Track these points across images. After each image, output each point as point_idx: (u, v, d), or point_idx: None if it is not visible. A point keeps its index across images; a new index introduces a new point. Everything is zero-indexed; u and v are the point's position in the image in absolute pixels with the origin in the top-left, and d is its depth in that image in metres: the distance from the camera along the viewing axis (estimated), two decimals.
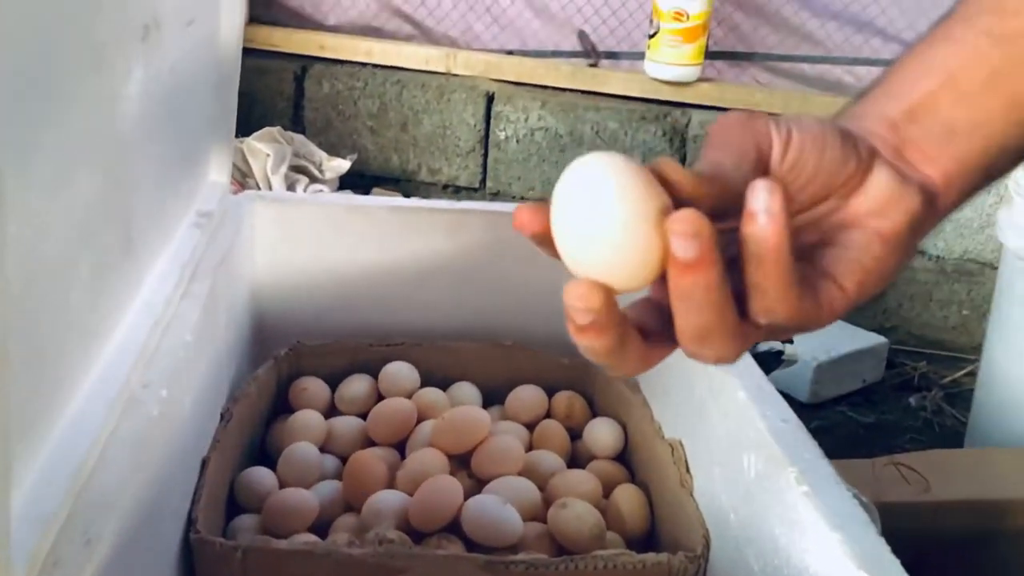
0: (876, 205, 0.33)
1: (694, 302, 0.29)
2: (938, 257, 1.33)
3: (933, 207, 0.34)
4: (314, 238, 0.81)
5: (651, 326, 0.33)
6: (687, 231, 0.28)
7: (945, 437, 1.11)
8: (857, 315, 1.22)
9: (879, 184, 0.33)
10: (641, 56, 1.38)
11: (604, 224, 0.29)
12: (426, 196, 1.46)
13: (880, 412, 1.15)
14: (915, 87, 0.35)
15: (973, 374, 1.22)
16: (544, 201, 0.31)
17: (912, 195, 0.33)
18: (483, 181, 1.44)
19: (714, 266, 0.29)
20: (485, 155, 1.43)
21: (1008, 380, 0.97)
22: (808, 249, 0.34)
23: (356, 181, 1.42)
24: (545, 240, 0.31)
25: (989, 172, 0.36)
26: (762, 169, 0.32)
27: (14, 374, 0.33)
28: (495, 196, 1.44)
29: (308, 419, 0.74)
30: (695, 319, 0.30)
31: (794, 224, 0.30)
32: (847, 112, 0.36)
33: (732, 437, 0.56)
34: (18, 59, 0.32)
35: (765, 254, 0.30)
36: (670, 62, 1.33)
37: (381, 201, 0.84)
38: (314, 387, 0.78)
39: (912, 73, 0.36)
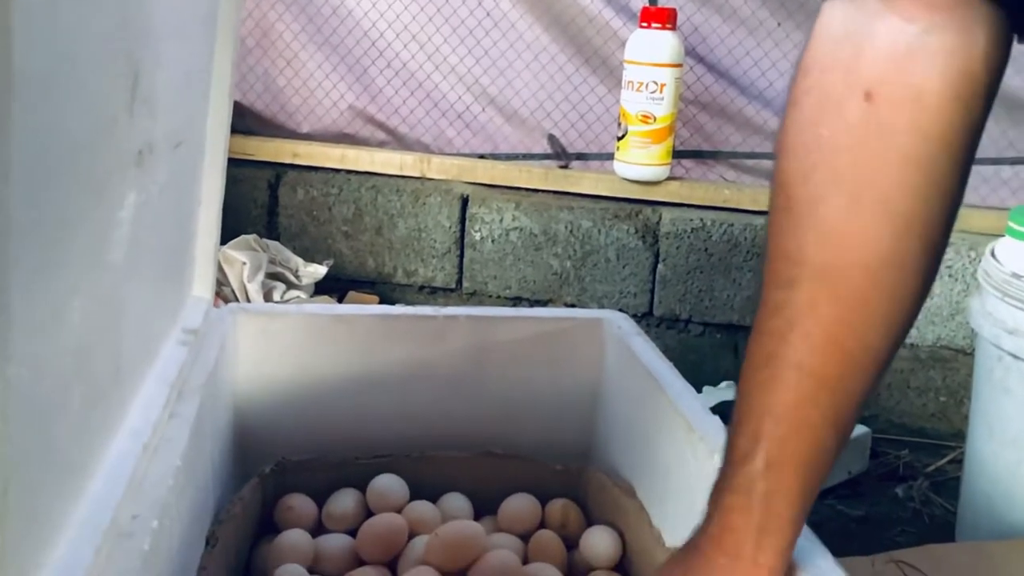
0: None
1: None
2: (912, 344, 1.35)
3: None
4: (297, 350, 0.80)
5: None
6: None
7: (935, 528, 1.10)
8: None
9: None
10: (610, 157, 1.42)
11: None
12: (402, 298, 1.46)
13: (869, 504, 1.14)
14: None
15: (956, 461, 1.22)
16: None
17: None
18: (459, 281, 1.45)
19: None
20: (461, 256, 1.43)
21: (994, 470, 0.97)
22: None
23: (332, 285, 1.41)
24: None
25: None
26: None
27: (8, 520, 0.32)
28: (471, 296, 1.45)
29: (295, 539, 0.72)
30: None
31: None
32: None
33: None
34: (25, 194, 0.31)
35: None
36: (639, 162, 1.36)
37: (365, 310, 0.84)
38: (300, 504, 0.76)
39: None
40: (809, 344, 0.40)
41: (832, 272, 0.39)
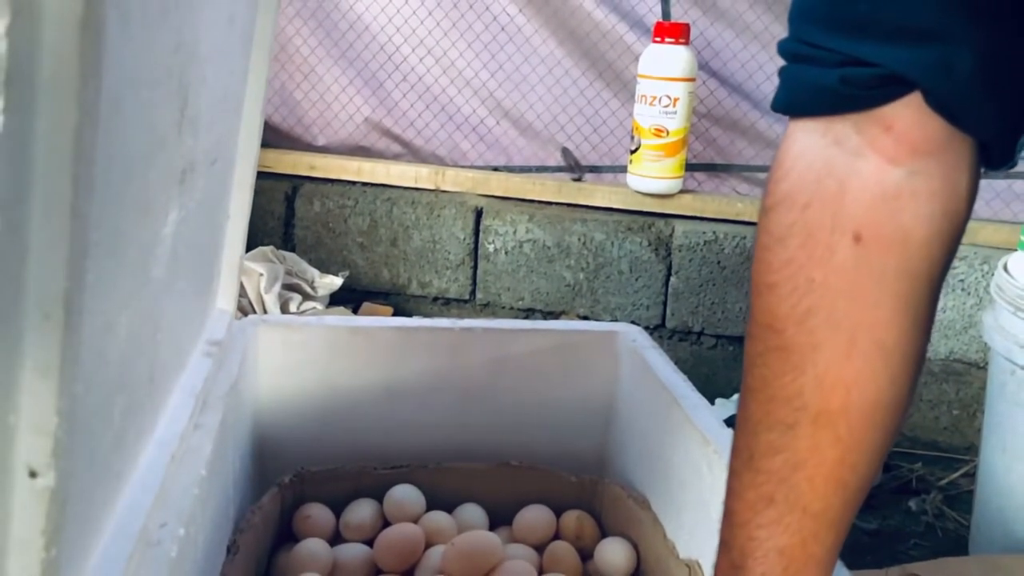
0: None
1: None
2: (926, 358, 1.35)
3: None
4: (316, 361, 0.81)
5: None
6: None
7: (948, 541, 1.11)
8: None
9: None
10: (623, 170, 1.43)
11: None
12: (416, 309, 1.47)
13: (882, 517, 1.15)
14: None
15: (969, 475, 1.22)
16: None
17: None
18: (473, 292, 1.46)
19: None
20: (475, 267, 1.45)
21: (1008, 484, 0.97)
22: None
23: (346, 296, 1.43)
24: None
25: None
26: None
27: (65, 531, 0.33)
28: (485, 307, 1.46)
29: (313, 548, 0.73)
30: None
31: None
32: None
33: None
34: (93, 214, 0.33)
35: None
36: (652, 175, 1.37)
37: (383, 322, 0.85)
38: (318, 514, 0.77)
39: None
40: (812, 486, 0.41)
41: (834, 417, 0.41)
